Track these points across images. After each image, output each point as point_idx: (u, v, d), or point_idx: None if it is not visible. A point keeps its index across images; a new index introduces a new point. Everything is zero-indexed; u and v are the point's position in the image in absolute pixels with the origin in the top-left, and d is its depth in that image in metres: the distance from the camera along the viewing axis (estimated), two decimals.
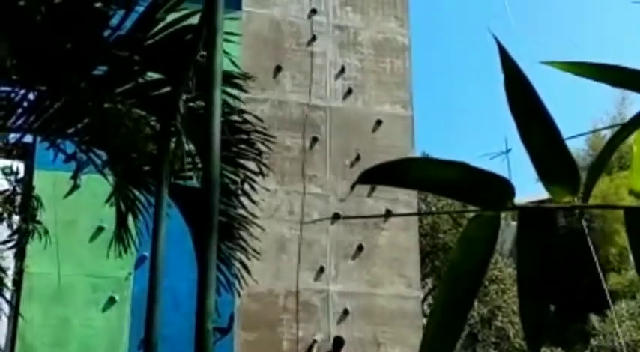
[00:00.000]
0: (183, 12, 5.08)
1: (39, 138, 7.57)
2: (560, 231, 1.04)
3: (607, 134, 24.36)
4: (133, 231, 6.59)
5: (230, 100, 5.61)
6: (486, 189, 0.95)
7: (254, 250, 6.34)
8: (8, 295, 8.89)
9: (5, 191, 6.95)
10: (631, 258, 1.06)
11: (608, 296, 17.12)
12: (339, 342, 12.96)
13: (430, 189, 0.99)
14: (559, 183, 0.97)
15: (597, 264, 16.20)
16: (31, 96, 5.48)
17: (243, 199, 6.14)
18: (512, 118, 0.96)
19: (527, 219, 0.98)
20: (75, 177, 6.02)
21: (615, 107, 28.71)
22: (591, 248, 15.62)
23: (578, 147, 26.81)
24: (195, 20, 4.80)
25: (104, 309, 12.55)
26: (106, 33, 5.09)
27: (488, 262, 1.00)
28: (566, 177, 0.96)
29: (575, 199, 0.99)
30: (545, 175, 0.97)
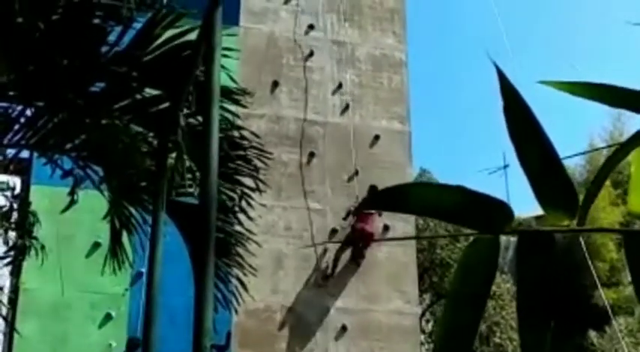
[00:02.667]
0: (181, 28, 5.09)
1: (36, 154, 7.57)
2: (558, 245, 1.04)
3: (605, 150, 24.40)
4: (129, 248, 6.58)
5: (228, 116, 5.61)
6: (485, 213, 0.95)
7: (251, 266, 6.31)
8: (4, 311, 8.84)
9: (2, 207, 6.94)
10: (628, 276, 1.05)
11: (610, 313, 17.06)
12: (374, 191, 13.03)
13: (429, 214, 0.99)
14: (557, 207, 0.96)
15: (597, 280, 16.16)
16: (28, 112, 5.48)
17: (240, 215, 6.13)
18: (511, 142, 0.95)
19: (526, 242, 0.97)
20: (72, 192, 6.01)
21: (612, 122, 28.73)
22: (591, 266, 15.58)
23: (575, 163, 26.83)
24: (193, 36, 4.81)
25: (101, 325, 12.49)
26: (104, 49, 5.10)
27: (491, 285, 0.99)
28: (564, 200, 0.96)
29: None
30: (544, 198, 0.96)
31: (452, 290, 1.00)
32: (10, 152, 6.87)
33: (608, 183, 21.35)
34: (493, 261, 0.97)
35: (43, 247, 7.11)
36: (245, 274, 6.30)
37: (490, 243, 0.97)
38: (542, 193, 0.96)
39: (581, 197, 1.00)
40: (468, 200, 0.94)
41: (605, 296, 19.48)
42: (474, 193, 0.94)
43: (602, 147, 25.85)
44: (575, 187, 0.97)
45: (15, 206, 7.01)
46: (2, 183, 7.26)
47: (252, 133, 6.07)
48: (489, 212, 0.95)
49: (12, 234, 7.02)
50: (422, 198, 0.95)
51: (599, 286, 16.27)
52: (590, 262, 16.31)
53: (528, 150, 0.95)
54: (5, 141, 5.58)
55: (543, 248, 0.97)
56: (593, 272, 15.55)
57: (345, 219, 13.69)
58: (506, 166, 23.23)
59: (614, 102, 1.07)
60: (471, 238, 1.00)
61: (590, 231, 0.98)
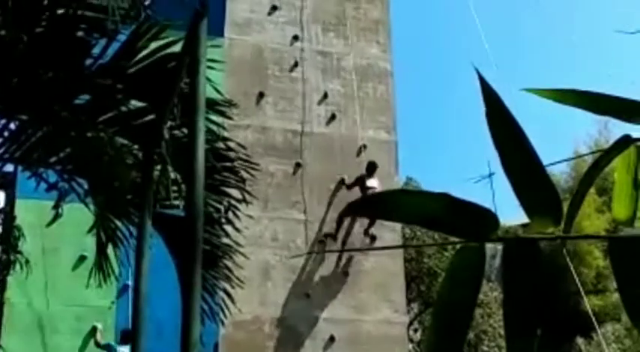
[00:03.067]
0: (166, 40, 5.08)
1: (20, 167, 7.52)
2: (544, 253, 1.04)
3: (590, 157, 24.52)
4: (115, 260, 6.55)
5: (214, 127, 5.60)
6: (470, 221, 0.95)
7: (238, 278, 6.30)
8: None
9: None
10: (615, 283, 1.06)
11: (594, 320, 17.10)
12: (372, 167, 13.78)
13: (415, 221, 0.99)
14: (542, 214, 0.97)
15: (581, 287, 16.21)
16: (12, 125, 5.45)
17: (227, 227, 6.11)
18: (494, 148, 0.96)
19: (512, 250, 0.97)
20: (57, 206, 5.98)
21: (597, 129, 28.87)
22: (575, 274, 15.62)
23: (560, 170, 26.93)
24: (177, 48, 4.80)
25: (87, 339, 12.39)
26: (88, 61, 5.08)
27: (477, 293, 0.99)
28: (548, 207, 0.96)
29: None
30: (528, 206, 0.97)
31: (439, 298, 1.00)
32: None
33: (592, 190, 21.47)
34: (479, 269, 0.97)
35: (27, 261, 7.06)
36: (232, 286, 6.28)
37: (476, 250, 0.97)
38: (526, 200, 0.97)
39: (566, 204, 1.00)
40: (453, 207, 0.94)
41: (591, 303, 19.57)
42: (459, 201, 0.94)
43: (586, 154, 26.03)
44: (559, 194, 0.97)
45: None
46: None
47: (239, 144, 6.07)
48: (475, 219, 0.95)
49: None
50: (408, 205, 0.95)
51: (582, 293, 16.34)
52: (574, 269, 16.32)
53: (512, 156, 0.95)
54: None
55: (529, 255, 0.98)
56: (577, 279, 15.61)
57: (346, 186, 14.14)
58: (491, 175, 23.29)
59: (599, 110, 1.08)
60: (458, 246, 1.00)
61: (575, 237, 0.98)
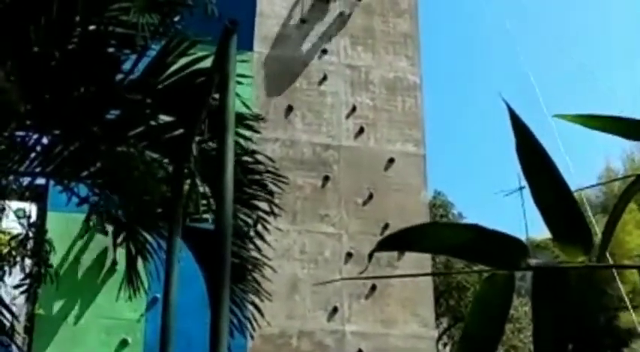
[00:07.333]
0: (195, 56, 5.13)
1: (52, 181, 7.61)
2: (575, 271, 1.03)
3: (620, 170, 24.24)
4: (144, 273, 6.59)
5: (242, 141, 5.62)
6: (500, 250, 0.95)
7: (266, 292, 6.30)
8: (20, 340, 8.84)
9: (18, 235, 6.97)
10: None
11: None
12: None
13: (446, 252, 0.99)
14: (572, 243, 0.96)
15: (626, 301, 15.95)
16: (44, 140, 5.53)
17: (256, 240, 6.12)
18: (525, 180, 0.96)
19: (542, 278, 0.97)
20: (88, 219, 6.04)
21: (630, 145, 28.46)
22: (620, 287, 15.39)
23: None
24: (206, 63, 4.84)
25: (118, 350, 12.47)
26: (119, 77, 5.14)
27: (505, 320, 0.99)
28: (579, 237, 0.95)
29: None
30: (559, 236, 0.96)
31: (467, 324, 0.99)
32: (26, 178, 6.92)
33: (633, 205, 21.23)
34: (508, 296, 0.97)
35: (57, 274, 7.13)
36: (261, 300, 6.28)
37: (505, 278, 0.96)
38: (557, 231, 0.96)
39: (596, 220, 0.99)
40: (483, 238, 0.94)
41: (625, 318, 19.27)
42: (489, 231, 0.94)
43: (618, 179, 25.73)
44: (588, 223, 0.97)
45: (31, 234, 7.04)
46: (19, 210, 7.31)
47: (267, 157, 6.09)
48: (504, 248, 0.95)
49: (28, 262, 7.04)
50: (437, 237, 0.95)
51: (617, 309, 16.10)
52: (603, 284, 16.10)
53: (542, 188, 0.95)
54: (22, 170, 5.63)
55: (558, 283, 0.97)
56: (613, 295, 15.39)
57: None
58: (521, 188, 23.08)
59: (628, 135, 1.07)
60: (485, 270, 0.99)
61: (603, 266, 0.97)
